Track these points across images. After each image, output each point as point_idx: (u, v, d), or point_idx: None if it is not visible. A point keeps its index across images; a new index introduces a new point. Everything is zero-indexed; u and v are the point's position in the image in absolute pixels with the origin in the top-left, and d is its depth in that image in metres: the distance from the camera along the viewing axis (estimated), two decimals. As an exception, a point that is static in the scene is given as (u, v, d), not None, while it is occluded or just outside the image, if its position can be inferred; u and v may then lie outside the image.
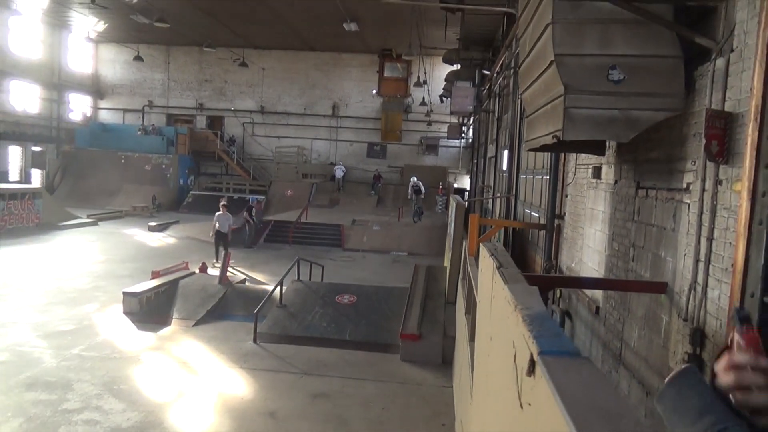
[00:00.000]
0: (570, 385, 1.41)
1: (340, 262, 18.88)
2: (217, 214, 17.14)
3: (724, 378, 0.92)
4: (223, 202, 18.04)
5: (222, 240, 16.72)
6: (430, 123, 31.79)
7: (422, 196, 23.61)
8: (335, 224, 23.20)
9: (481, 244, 4.22)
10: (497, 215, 15.39)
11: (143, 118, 34.69)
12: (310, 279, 13.41)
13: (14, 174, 29.44)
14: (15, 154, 29.48)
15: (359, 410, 7.46)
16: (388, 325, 10.50)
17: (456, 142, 31.96)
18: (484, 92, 18.15)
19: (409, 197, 23.96)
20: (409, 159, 33.35)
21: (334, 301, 11.49)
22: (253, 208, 22.54)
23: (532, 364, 1.72)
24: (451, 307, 10.43)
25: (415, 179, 23.59)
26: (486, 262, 3.87)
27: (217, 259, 16.19)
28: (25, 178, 30.00)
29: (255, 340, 9.83)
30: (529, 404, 1.84)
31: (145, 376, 8.19)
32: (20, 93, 29.62)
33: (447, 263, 12.75)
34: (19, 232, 20.05)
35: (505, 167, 14.06)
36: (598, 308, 5.85)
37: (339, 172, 31.61)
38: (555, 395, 1.37)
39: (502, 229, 13.34)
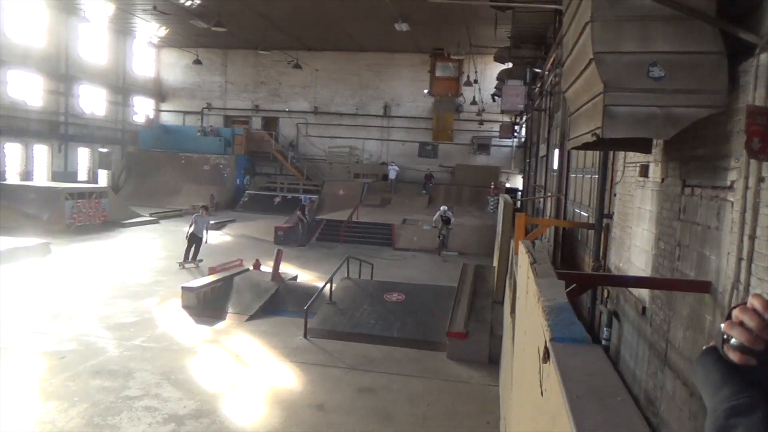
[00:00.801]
0: (574, 369, 1.50)
1: (391, 260, 19.05)
2: (194, 216, 16.43)
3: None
4: (202, 204, 17.36)
5: (195, 243, 16.00)
6: (481, 122, 31.60)
7: (451, 228, 21.13)
8: (386, 224, 23.41)
9: (520, 242, 4.28)
10: (548, 215, 15.21)
11: (202, 119, 35.90)
12: (359, 277, 13.63)
13: (83, 174, 31.04)
14: (83, 155, 31.07)
15: (405, 405, 7.58)
16: (435, 323, 10.58)
17: (508, 142, 31.65)
18: (536, 90, 17.95)
19: (434, 225, 21.43)
20: (460, 158, 33.25)
21: (383, 299, 11.66)
22: (306, 207, 23.03)
23: (547, 350, 1.81)
24: (498, 306, 10.42)
25: (445, 208, 21.31)
26: (523, 258, 3.93)
27: (185, 260, 15.70)
28: (93, 178, 31.57)
29: (305, 335, 10.11)
30: (546, 390, 1.93)
31: (201, 367, 8.56)
32: (89, 97, 31.21)
33: (496, 262, 12.72)
34: (87, 230, 21.16)
35: (555, 166, 13.89)
36: (644, 308, 5.77)
37: (392, 173, 31.62)
38: (559, 378, 1.46)
39: (553, 229, 13.20)
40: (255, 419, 7.01)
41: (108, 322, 10.51)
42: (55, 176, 28.26)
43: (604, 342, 6.86)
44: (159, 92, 36.81)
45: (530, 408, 2.68)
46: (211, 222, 16.25)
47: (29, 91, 27.26)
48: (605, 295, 7.39)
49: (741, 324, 0.93)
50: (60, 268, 15.08)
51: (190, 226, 16.03)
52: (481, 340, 9.42)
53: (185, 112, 36.66)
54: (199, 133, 33.59)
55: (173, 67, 36.55)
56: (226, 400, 7.46)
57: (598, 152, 8.12)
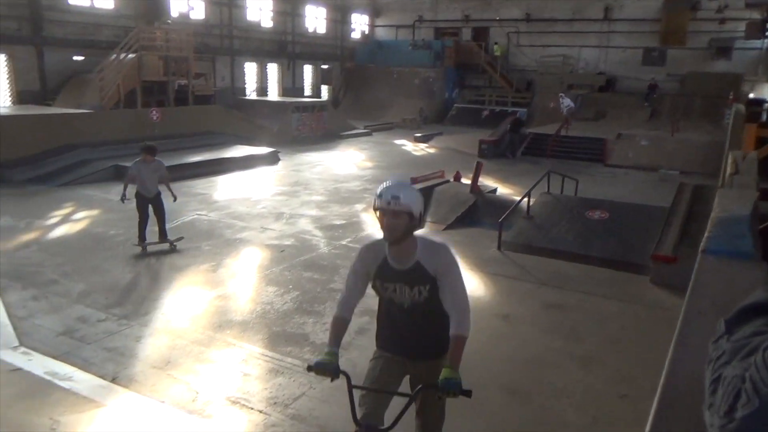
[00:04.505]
0: (712, 283, 1.31)
1: (599, 177, 17.93)
2: (134, 162, 9.33)
3: None
4: (146, 144, 9.42)
5: (151, 204, 9.29)
6: (722, 21, 27.01)
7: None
8: (598, 138, 21.85)
9: (730, 153, 3.70)
10: (799, 129, 12.79)
11: (414, 33, 36.23)
12: (561, 193, 13.08)
13: (308, 89, 33.82)
14: (308, 72, 33.70)
15: (593, 326, 7.30)
16: (641, 245, 9.81)
17: (756, 43, 26.73)
18: (798, -24, 14.68)
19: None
20: (693, 65, 29.12)
21: (584, 216, 11.09)
22: (518, 120, 22.46)
23: (699, 264, 1.60)
24: (718, 231, 9.27)
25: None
26: (728, 170, 3.43)
27: (140, 241, 9.26)
28: (316, 93, 34.24)
29: (498, 248, 10.11)
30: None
31: (397, 269, 9.14)
32: (312, 16, 33.36)
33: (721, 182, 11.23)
34: (309, 140, 23.31)
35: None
36: None
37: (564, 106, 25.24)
38: (689, 290, 1.29)
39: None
40: (442, 321, 7.35)
41: (321, 223, 11.66)
42: (284, 92, 31.23)
43: None
44: (373, 7, 37.80)
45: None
46: (166, 165, 9.58)
47: (262, 13, 29.96)
48: None
49: None
50: (285, 174, 16.95)
51: (128, 183, 9.36)
52: (692, 266, 8.53)
53: (398, 26, 37.28)
54: (410, 47, 34.06)
55: (387, -19, 37.09)
56: (417, 301, 7.90)
57: None
